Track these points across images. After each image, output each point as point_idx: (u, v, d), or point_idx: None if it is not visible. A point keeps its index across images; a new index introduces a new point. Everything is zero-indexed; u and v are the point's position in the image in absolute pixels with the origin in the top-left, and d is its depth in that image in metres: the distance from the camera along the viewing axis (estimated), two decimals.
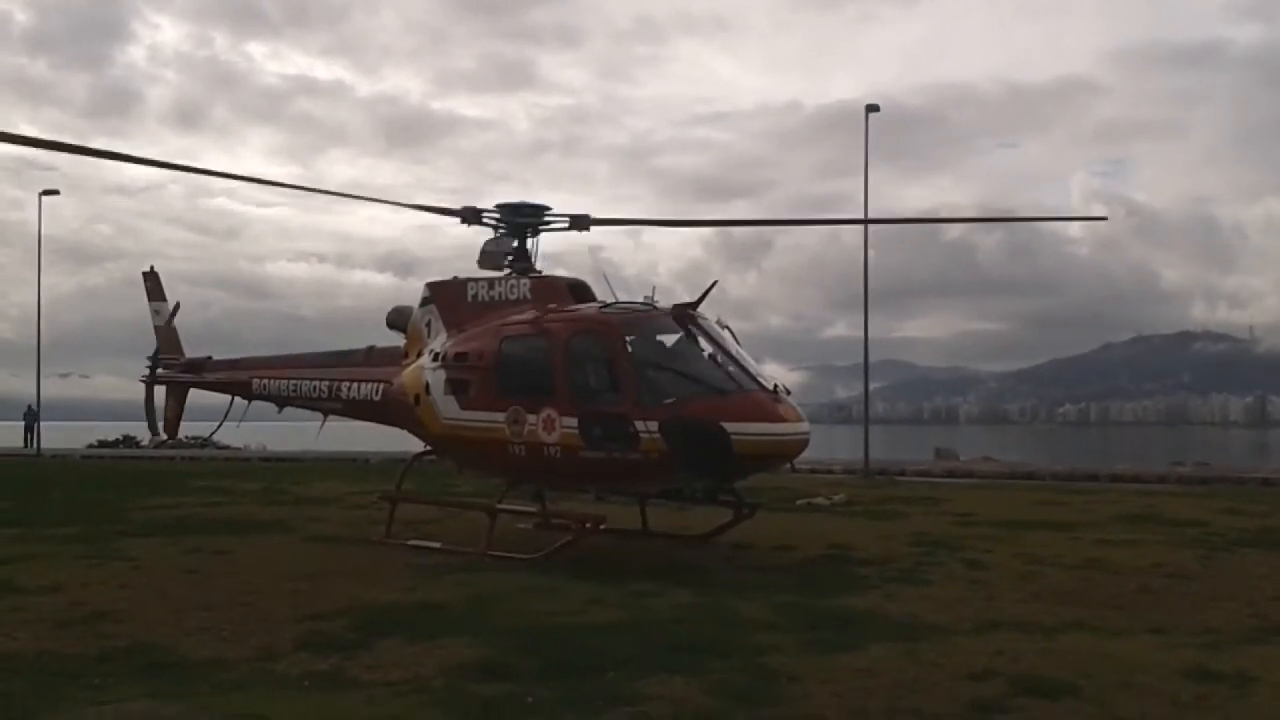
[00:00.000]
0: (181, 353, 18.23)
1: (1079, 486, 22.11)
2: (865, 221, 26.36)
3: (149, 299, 18.73)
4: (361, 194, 15.77)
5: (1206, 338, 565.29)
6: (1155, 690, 6.49)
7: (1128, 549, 12.44)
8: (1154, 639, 7.96)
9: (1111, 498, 18.84)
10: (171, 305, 18.40)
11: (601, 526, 12.05)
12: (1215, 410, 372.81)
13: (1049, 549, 12.42)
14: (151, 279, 18.89)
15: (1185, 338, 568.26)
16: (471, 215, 13.61)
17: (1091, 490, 21.02)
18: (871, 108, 28.62)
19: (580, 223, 13.75)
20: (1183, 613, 8.91)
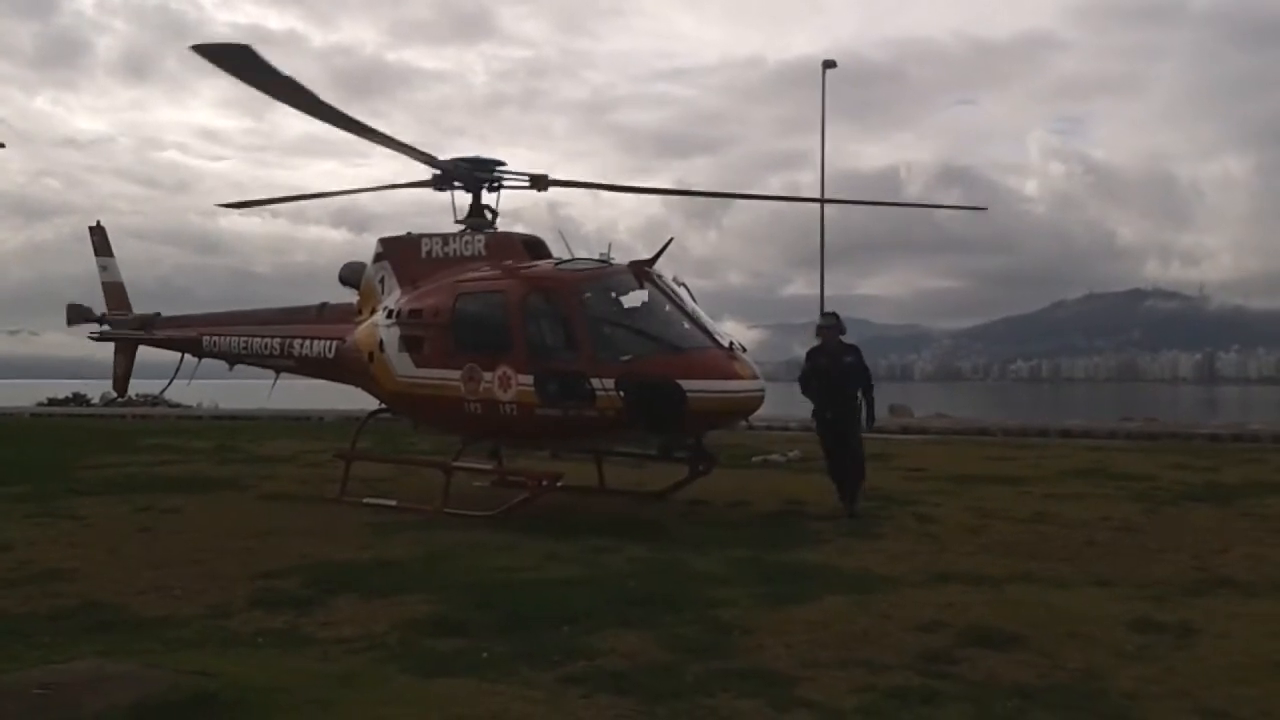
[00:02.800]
0: (129, 309, 17.99)
1: (1030, 442, 22.38)
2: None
3: (95, 254, 18.47)
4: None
5: (1158, 295, 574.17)
6: (1101, 641, 6.62)
7: (1076, 503, 12.64)
8: (1100, 591, 8.11)
9: (1061, 452, 19.11)
10: (123, 270, 18.28)
11: (558, 484, 12.07)
12: (1165, 367, 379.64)
13: (999, 503, 12.60)
14: (98, 234, 18.62)
15: (1137, 295, 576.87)
16: (444, 180, 13.43)
17: (1042, 445, 21.29)
18: (829, 64, 28.59)
19: (539, 183, 13.64)
20: (1129, 566, 9.07)
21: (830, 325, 12.55)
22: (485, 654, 6.42)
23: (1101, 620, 7.09)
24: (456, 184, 13.43)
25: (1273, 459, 17.43)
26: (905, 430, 25.14)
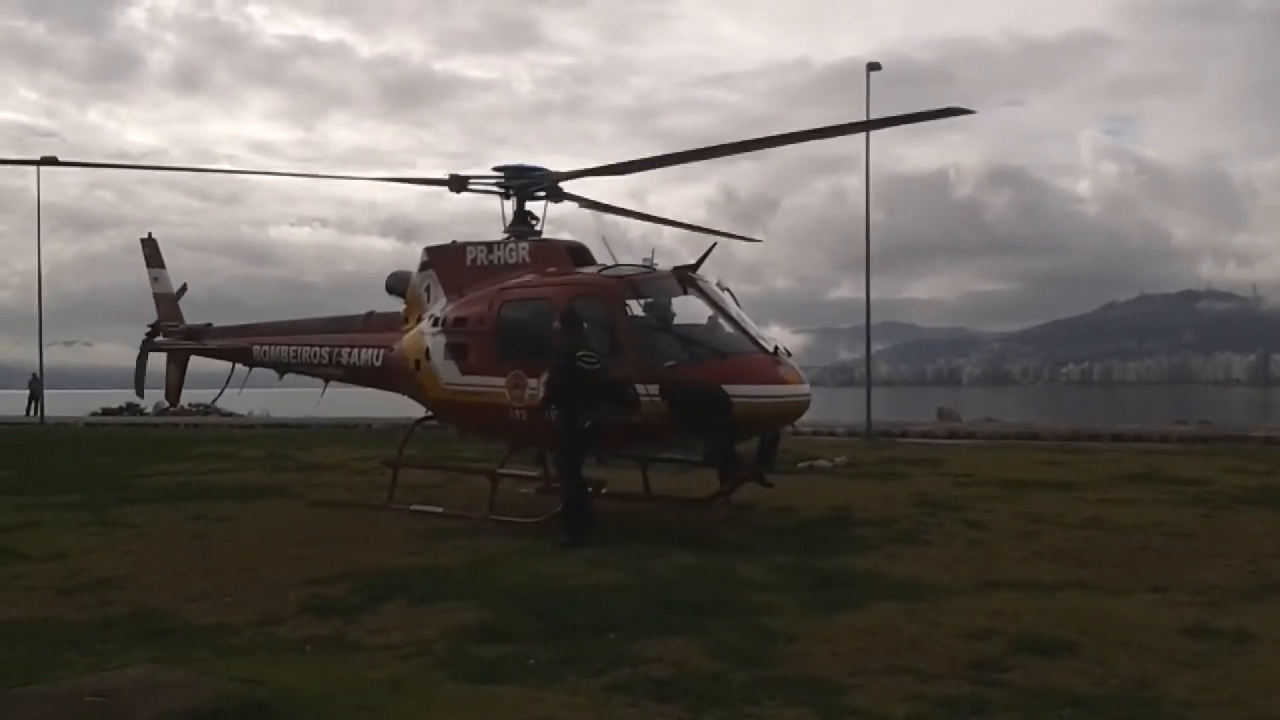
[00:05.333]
0: (181, 320, 18.26)
1: (1081, 446, 22.11)
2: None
3: (147, 266, 18.77)
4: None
5: (1211, 296, 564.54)
6: (1155, 648, 6.50)
7: (1129, 508, 12.45)
8: (1154, 597, 7.98)
9: (1113, 457, 18.84)
10: (175, 281, 18.57)
11: (603, 490, 12.06)
12: (1218, 369, 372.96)
13: (1050, 508, 12.44)
14: (150, 245, 18.92)
15: (1189, 296, 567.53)
16: (458, 183, 13.56)
17: (1093, 450, 21.02)
18: (873, 66, 28.29)
19: (557, 188, 13.65)
20: (1183, 571, 8.92)
21: None
22: (531, 661, 6.42)
23: (1155, 627, 6.97)
24: (476, 187, 13.52)
25: None
26: (953, 435, 24.93)
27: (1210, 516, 11.82)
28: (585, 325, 11.21)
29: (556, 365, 11.03)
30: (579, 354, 10.88)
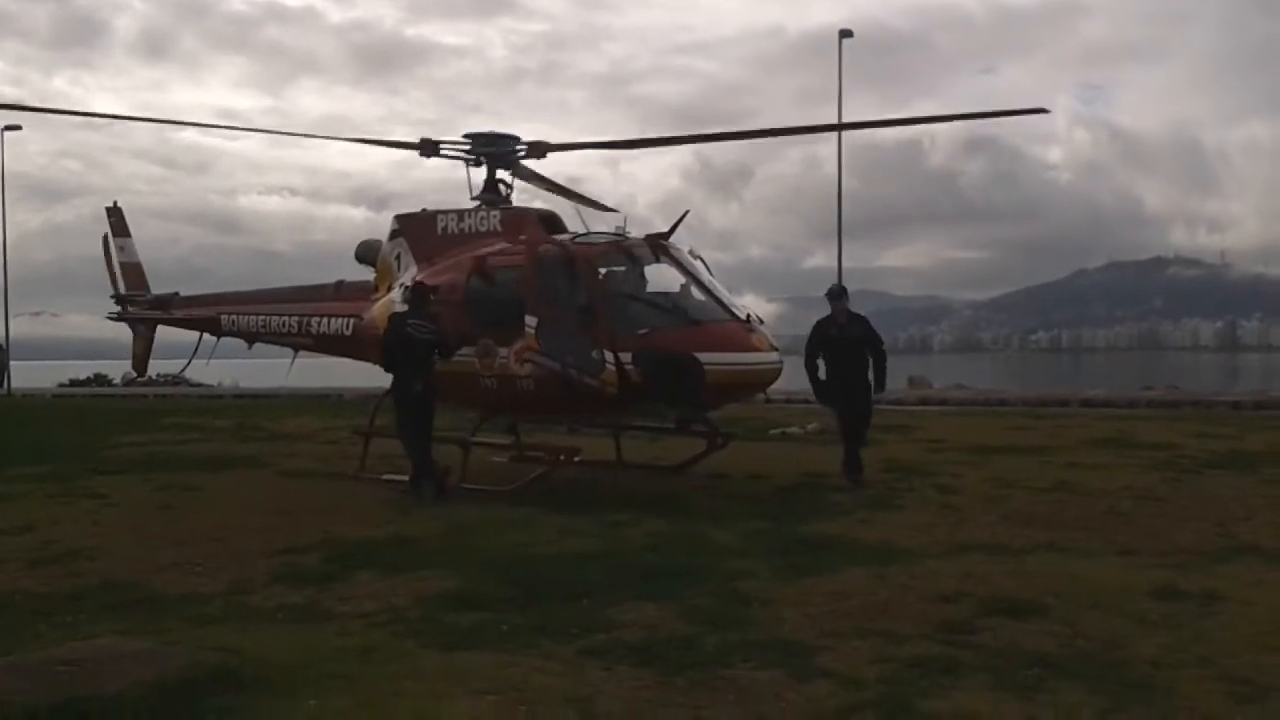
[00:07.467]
0: (147, 289, 18.07)
1: (1050, 412, 22.28)
2: (839, 127, 25.92)
3: (113, 235, 18.55)
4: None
5: (1179, 263, 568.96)
6: (1123, 610, 6.57)
7: (1097, 472, 12.57)
8: (1122, 560, 8.06)
9: (1082, 422, 19.00)
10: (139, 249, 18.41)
11: (576, 458, 12.07)
12: (1186, 335, 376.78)
13: (1019, 473, 12.54)
14: (115, 214, 18.70)
15: (1159, 263, 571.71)
16: (429, 147, 13.44)
17: (1062, 415, 21.19)
18: (845, 33, 28.29)
19: (537, 149, 13.56)
20: (1151, 534, 9.01)
21: (840, 295, 12.46)
22: (505, 627, 6.43)
23: (1124, 589, 7.04)
24: (447, 153, 13.40)
25: None
26: (924, 402, 25.10)
27: (1178, 480, 11.95)
28: (430, 297, 11.81)
29: (387, 332, 11.69)
30: (409, 322, 11.48)
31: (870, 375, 12.06)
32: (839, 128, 25.90)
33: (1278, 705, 4.95)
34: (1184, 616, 6.43)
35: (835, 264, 29.40)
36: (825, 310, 12.42)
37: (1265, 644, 5.82)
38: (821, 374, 12.24)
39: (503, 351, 11.76)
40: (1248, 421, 18.50)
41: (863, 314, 12.51)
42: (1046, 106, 11.33)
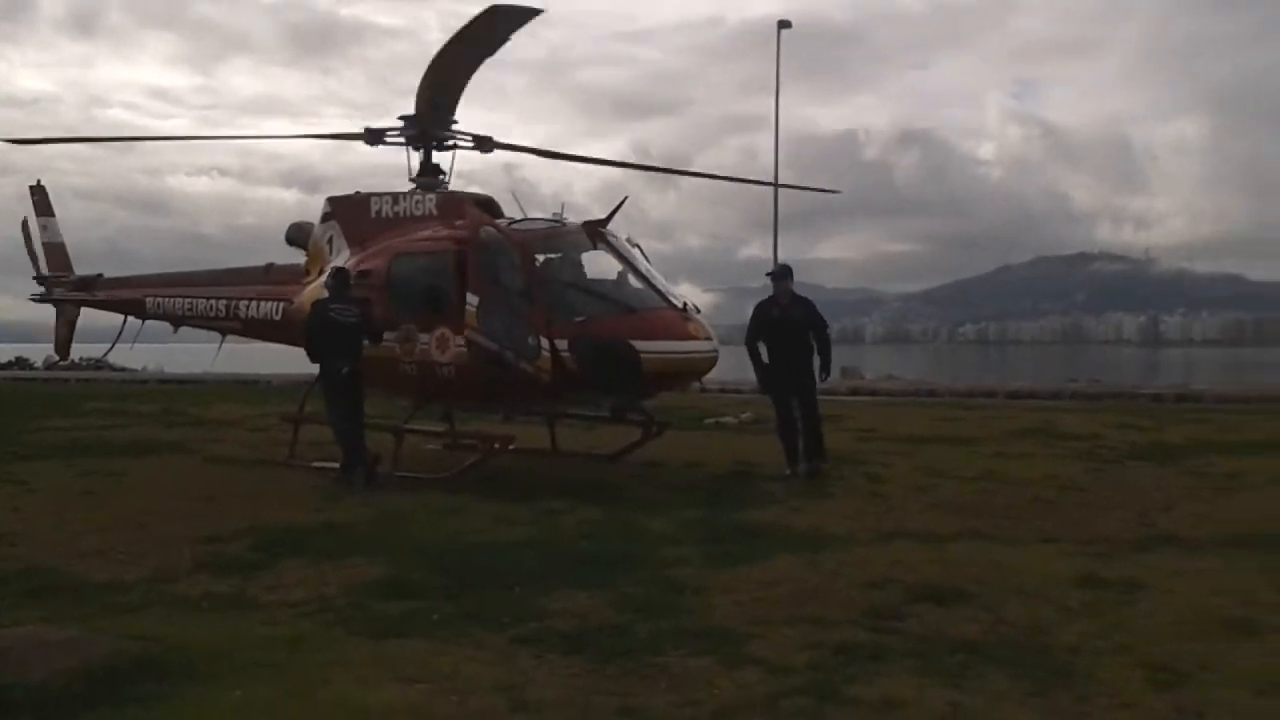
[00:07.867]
0: (71, 270, 17.63)
1: (978, 403, 22.61)
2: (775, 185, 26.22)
3: (36, 214, 18.08)
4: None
5: (1104, 258, 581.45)
6: (1046, 597, 6.70)
7: (1022, 462, 12.79)
8: (1046, 548, 8.21)
9: (1008, 413, 19.31)
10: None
11: (510, 446, 12.01)
12: (1110, 329, 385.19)
13: (947, 463, 12.72)
14: (39, 193, 18.22)
15: (1083, 259, 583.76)
16: (373, 137, 13.26)
17: (990, 406, 21.52)
18: (784, 24, 28.41)
19: (484, 144, 13.48)
20: (1074, 523, 9.18)
21: (784, 275, 12.40)
22: (436, 616, 6.39)
23: (1047, 576, 7.18)
24: (390, 140, 13.22)
25: (1215, 419, 17.73)
26: (856, 392, 25.32)
27: (1100, 470, 12.20)
28: (351, 282, 11.91)
29: (310, 318, 11.81)
30: (332, 307, 11.57)
31: (815, 360, 12.00)
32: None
33: (1195, 692, 5.07)
34: (1105, 604, 6.57)
35: (769, 255, 29.66)
36: (759, 299, 12.42)
37: (1184, 632, 5.96)
38: (765, 358, 12.06)
39: (424, 337, 11.68)
40: (1168, 414, 18.94)
41: (806, 297, 12.46)
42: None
